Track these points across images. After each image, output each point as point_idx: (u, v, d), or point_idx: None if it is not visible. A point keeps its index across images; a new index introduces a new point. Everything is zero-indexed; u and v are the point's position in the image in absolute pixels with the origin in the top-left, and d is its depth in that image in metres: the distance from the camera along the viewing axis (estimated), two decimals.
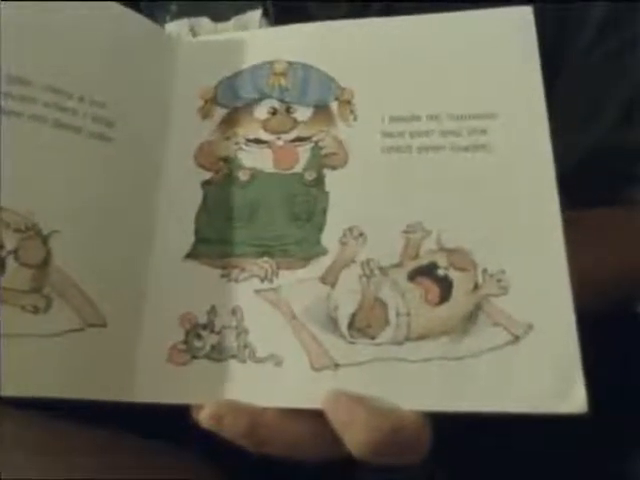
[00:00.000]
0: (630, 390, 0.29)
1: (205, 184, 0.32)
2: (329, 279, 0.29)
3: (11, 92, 0.30)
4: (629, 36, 0.38)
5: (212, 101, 0.34)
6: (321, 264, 0.29)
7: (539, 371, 0.26)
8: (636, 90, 0.38)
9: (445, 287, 0.28)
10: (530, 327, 0.27)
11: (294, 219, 0.30)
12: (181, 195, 0.32)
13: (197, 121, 0.34)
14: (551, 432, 0.29)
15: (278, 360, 0.28)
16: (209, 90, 0.34)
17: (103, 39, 0.33)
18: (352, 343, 0.28)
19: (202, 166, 0.33)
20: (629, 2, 0.39)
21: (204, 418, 0.27)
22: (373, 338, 0.28)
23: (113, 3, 0.34)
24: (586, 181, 0.28)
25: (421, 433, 0.26)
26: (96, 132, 0.31)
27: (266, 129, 0.33)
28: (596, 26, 0.39)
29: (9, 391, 0.26)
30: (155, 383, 0.29)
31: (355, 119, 0.32)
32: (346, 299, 0.28)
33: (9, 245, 0.28)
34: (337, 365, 0.28)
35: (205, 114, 0.34)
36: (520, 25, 0.32)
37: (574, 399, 0.25)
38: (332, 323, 0.28)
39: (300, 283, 0.29)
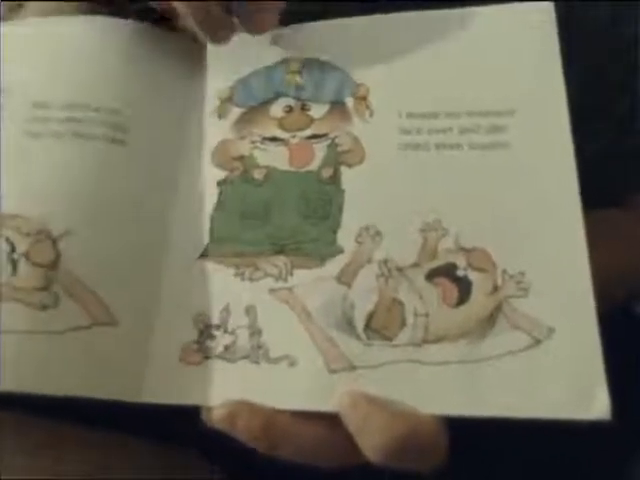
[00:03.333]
0: (629, 392, 0.28)
1: (220, 183, 0.32)
2: (345, 279, 0.28)
3: (35, 116, 0.32)
4: (632, 36, 0.37)
5: (228, 101, 0.34)
6: (337, 263, 0.29)
7: (560, 376, 0.25)
8: (637, 94, 0.37)
9: (464, 288, 0.27)
10: (551, 330, 0.26)
11: (309, 217, 0.30)
12: (197, 194, 0.32)
13: (213, 121, 0.33)
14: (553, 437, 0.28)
15: (292, 361, 0.27)
16: (225, 90, 0.34)
17: (117, 51, 0.34)
18: (369, 345, 0.27)
19: (218, 165, 0.32)
20: (632, 1, 0.38)
21: (217, 418, 0.26)
22: (390, 340, 0.27)
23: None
24: (585, 184, 0.28)
25: (439, 438, 0.25)
26: (110, 137, 0.32)
27: (282, 127, 0.32)
28: (600, 26, 0.38)
29: (15, 386, 0.27)
30: (167, 383, 0.29)
31: (371, 115, 0.31)
32: (363, 299, 0.28)
33: (20, 248, 0.29)
34: (353, 367, 0.27)
35: (221, 114, 0.33)
36: (540, 20, 0.31)
37: (596, 405, 0.24)
38: (348, 324, 0.28)
39: (315, 282, 0.28)
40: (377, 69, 0.32)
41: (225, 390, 0.28)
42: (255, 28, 0.32)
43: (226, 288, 0.30)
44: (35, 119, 0.32)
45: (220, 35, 0.32)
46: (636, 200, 0.37)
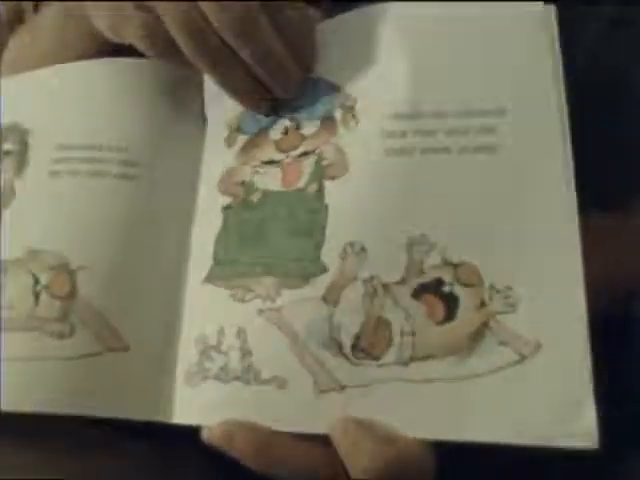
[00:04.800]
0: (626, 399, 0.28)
1: (225, 209, 0.32)
2: (331, 298, 0.28)
3: (57, 157, 0.34)
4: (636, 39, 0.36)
5: (236, 129, 0.34)
6: (322, 282, 0.28)
7: (545, 396, 0.25)
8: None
9: (451, 304, 0.27)
10: (538, 346, 0.25)
11: (296, 236, 0.30)
12: (204, 222, 0.33)
13: (222, 150, 0.33)
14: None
15: (282, 382, 0.28)
16: (233, 119, 0.34)
17: (126, 90, 0.35)
18: (357, 364, 0.27)
19: (223, 192, 0.33)
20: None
21: (215, 437, 0.27)
22: (377, 359, 0.27)
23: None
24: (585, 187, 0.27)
25: (426, 462, 0.25)
26: (121, 173, 0.33)
27: (278, 149, 0.32)
28: (603, 27, 0.37)
29: (32, 407, 0.29)
30: (171, 404, 0.30)
31: (357, 123, 0.31)
32: (349, 319, 0.28)
33: (43, 281, 0.32)
34: (343, 387, 0.27)
35: (229, 142, 0.34)
36: (539, 19, 0.30)
37: (582, 432, 0.24)
38: (335, 344, 0.28)
39: (301, 302, 0.28)
40: (362, 73, 0.31)
41: (220, 411, 0.28)
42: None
43: (222, 309, 0.30)
44: (57, 160, 0.34)
45: (252, 103, 0.33)
46: (636, 207, 0.36)
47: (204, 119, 0.35)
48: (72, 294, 0.31)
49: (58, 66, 0.37)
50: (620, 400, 0.25)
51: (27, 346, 0.30)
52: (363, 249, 0.28)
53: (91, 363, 0.30)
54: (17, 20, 0.45)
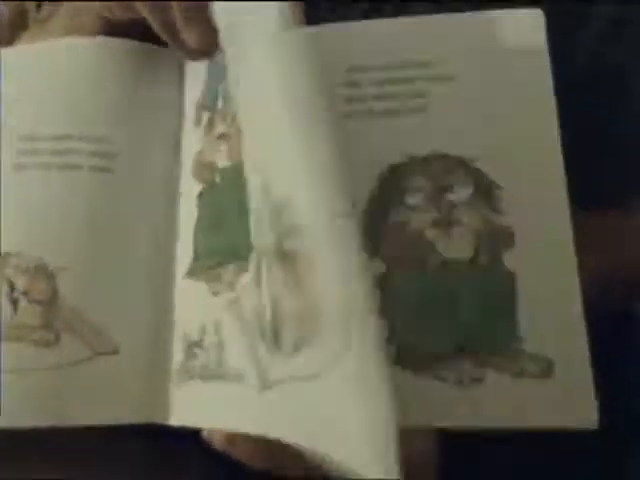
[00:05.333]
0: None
1: (199, 196, 0.30)
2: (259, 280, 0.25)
3: (22, 149, 0.32)
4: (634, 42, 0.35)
5: (201, 107, 0.32)
6: (253, 263, 0.25)
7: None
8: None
9: None
10: None
11: (243, 214, 0.26)
12: (183, 212, 0.31)
13: (192, 131, 0.32)
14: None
15: (241, 378, 0.25)
16: (199, 96, 0.32)
17: (101, 76, 0.33)
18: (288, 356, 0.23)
19: (196, 177, 0.31)
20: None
21: (218, 440, 0.26)
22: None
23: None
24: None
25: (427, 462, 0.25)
26: (96, 166, 0.31)
27: (224, 120, 0.29)
28: (603, 26, 0.36)
29: (24, 422, 0.28)
30: (166, 405, 0.29)
31: None
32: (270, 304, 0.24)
33: (19, 286, 0.30)
34: (278, 382, 0.24)
35: (197, 122, 0.32)
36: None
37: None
38: (268, 332, 0.24)
39: (246, 289, 0.26)
40: None
41: (204, 410, 0.27)
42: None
43: (202, 304, 0.28)
44: (22, 152, 0.32)
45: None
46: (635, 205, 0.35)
47: (178, 101, 0.33)
48: (53, 298, 0.29)
49: (21, 47, 0.35)
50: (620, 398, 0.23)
51: (11, 358, 0.29)
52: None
53: (81, 370, 0.28)
54: (20, 21, 0.44)
